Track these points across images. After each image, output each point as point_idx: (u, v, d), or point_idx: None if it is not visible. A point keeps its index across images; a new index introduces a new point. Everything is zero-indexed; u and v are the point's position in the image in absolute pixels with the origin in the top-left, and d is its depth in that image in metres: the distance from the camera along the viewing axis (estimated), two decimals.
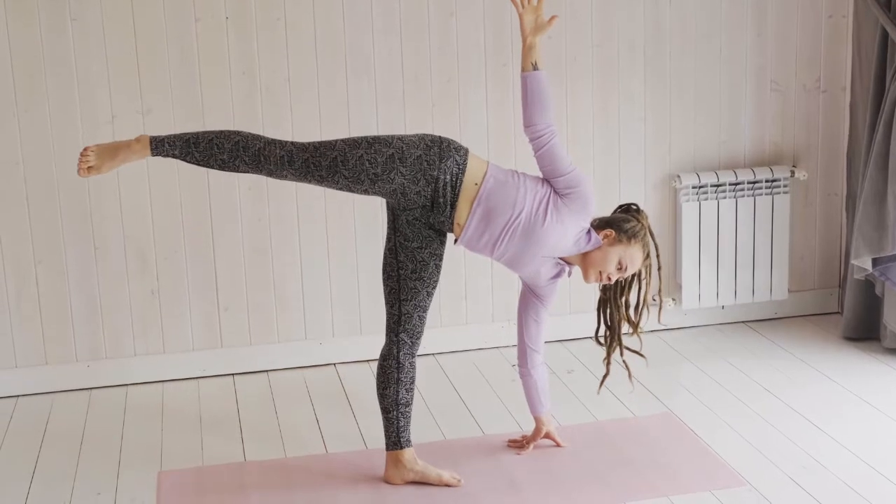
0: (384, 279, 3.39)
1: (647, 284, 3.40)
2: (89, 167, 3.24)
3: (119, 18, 4.06)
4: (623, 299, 3.43)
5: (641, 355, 3.50)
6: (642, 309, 3.43)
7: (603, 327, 3.50)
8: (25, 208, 4.14)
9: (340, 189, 3.26)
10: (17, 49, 4.02)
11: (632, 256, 3.32)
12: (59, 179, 4.13)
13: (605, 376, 3.54)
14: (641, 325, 3.45)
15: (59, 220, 4.16)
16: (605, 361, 3.51)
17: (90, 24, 4.05)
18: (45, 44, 4.04)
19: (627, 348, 3.47)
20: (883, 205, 4.25)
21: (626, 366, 3.50)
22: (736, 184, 4.58)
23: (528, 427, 3.70)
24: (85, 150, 3.26)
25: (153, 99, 4.14)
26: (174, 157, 3.25)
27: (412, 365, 3.39)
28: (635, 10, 4.45)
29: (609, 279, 3.31)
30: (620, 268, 3.31)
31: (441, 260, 3.37)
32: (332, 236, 4.38)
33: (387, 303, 3.40)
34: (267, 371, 4.40)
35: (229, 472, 3.56)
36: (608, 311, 3.46)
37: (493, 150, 4.37)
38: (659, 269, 3.44)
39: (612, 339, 3.47)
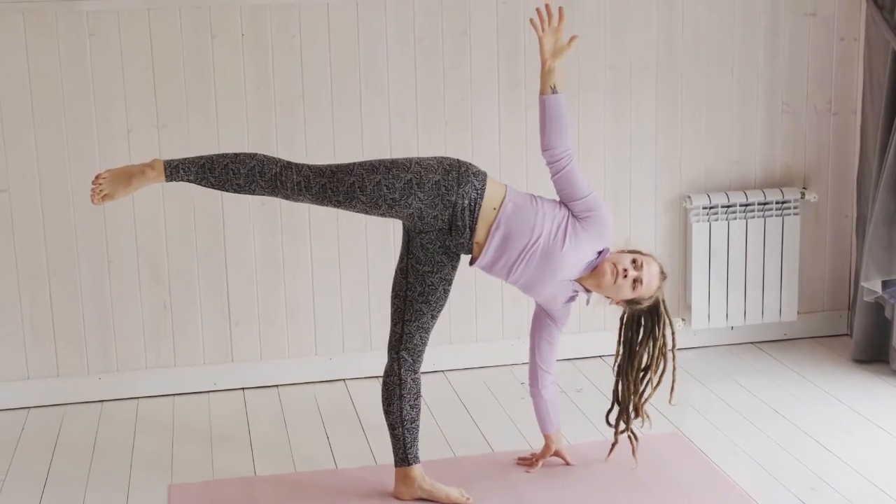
0: (392, 297, 3.40)
1: (664, 366, 3.44)
2: (104, 195, 3.18)
3: (136, 34, 4.10)
4: (635, 378, 3.47)
5: (637, 438, 3.54)
6: (649, 396, 3.48)
7: (616, 407, 3.56)
8: (41, 221, 4.16)
9: (357, 212, 3.26)
10: (34, 63, 4.06)
11: (647, 260, 3.32)
12: (74, 192, 4.15)
13: (613, 445, 3.58)
14: (646, 412, 3.51)
15: (74, 233, 4.19)
16: (615, 434, 3.56)
17: (107, 39, 4.08)
18: (63, 58, 4.07)
19: (631, 431, 3.53)
20: (893, 227, 4.26)
21: (632, 442, 3.54)
22: (746, 205, 4.59)
23: (538, 444, 3.71)
24: (97, 177, 3.19)
25: (168, 113, 4.17)
26: (189, 181, 3.21)
27: (415, 381, 3.40)
28: (648, 31, 4.47)
29: (625, 273, 3.26)
30: (636, 265, 3.28)
31: (450, 285, 3.37)
32: (344, 252, 4.40)
33: (391, 320, 3.41)
34: (277, 386, 4.41)
35: (240, 486, 3.57)
36: (620, 388, 3.51)
37: (505, 168, 4.39)
38: (673, 347, 3.45)
39: (619, 417, 3.52)
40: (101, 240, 4.22)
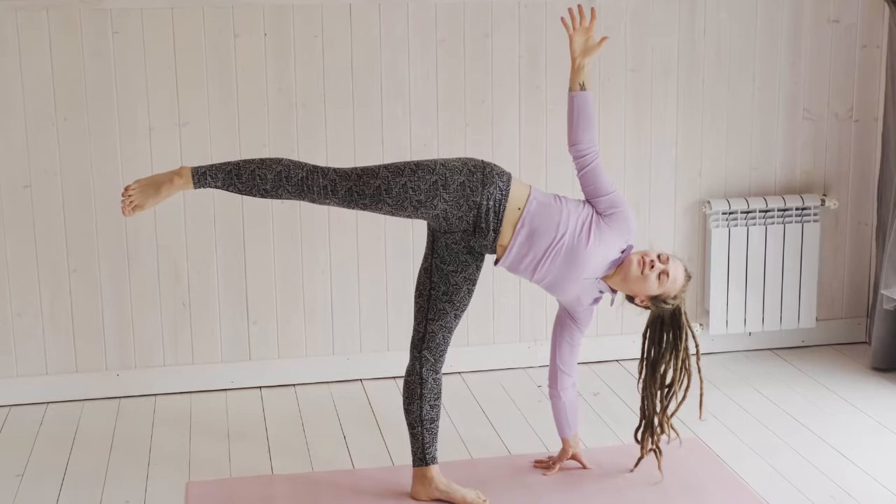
0: (415, 296, 3.41)
1: (688, 381, 3.42)
2: (134, 206, 3.20)
3: (160, 32, 4.11)
4: (660, 394, 3.46)
5: (661, 452, 3.53)
6: (674, 411, 3.47)
7: (642, 423, 3.54)
8: (62, 217, 4.18)
9: (383, 214, 3.27)
10: (58, 60, 4.08)
11: (672, 256, 3.33)
12: (95, 190, 4.17)
13: (639, 459, 3.56)
14: (673, 427, 3.50)
15: (94, 230, 4.21)
16: (641, 450, 3.55)
17: (131, 38, 4.10)
18: (86, 55, 4.09)
19: (656, 445, 3.51)
20: None
21: (657, 456, 3.52)
22: (766, 211, 4.58)
23: (555, 448, 3.71)
24: (126, 188, 3.21)
25: (190, 112, 4.19)
26: (216, 188, 3.22)
27: (436, 381, 3.40)
28: (670, 36, 4.47)
29: (652, 265, 3.26)
30: (662, 259, 3.30)
31: (474, 285, 3.38)
32: (363, 252, 4.41)
33: (414, 319, 3.42)
34: (294, 385, 4.42)
35: (257, 484, 3.57)
36: (646, 405, 3.49)
37: (525, 171, 4.39)
38: (698, 359, 3.44)
39: (644, 432, 3.51)
40: (122, 237, 4.23)
